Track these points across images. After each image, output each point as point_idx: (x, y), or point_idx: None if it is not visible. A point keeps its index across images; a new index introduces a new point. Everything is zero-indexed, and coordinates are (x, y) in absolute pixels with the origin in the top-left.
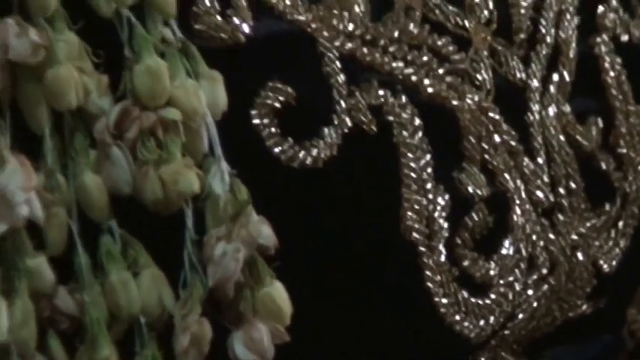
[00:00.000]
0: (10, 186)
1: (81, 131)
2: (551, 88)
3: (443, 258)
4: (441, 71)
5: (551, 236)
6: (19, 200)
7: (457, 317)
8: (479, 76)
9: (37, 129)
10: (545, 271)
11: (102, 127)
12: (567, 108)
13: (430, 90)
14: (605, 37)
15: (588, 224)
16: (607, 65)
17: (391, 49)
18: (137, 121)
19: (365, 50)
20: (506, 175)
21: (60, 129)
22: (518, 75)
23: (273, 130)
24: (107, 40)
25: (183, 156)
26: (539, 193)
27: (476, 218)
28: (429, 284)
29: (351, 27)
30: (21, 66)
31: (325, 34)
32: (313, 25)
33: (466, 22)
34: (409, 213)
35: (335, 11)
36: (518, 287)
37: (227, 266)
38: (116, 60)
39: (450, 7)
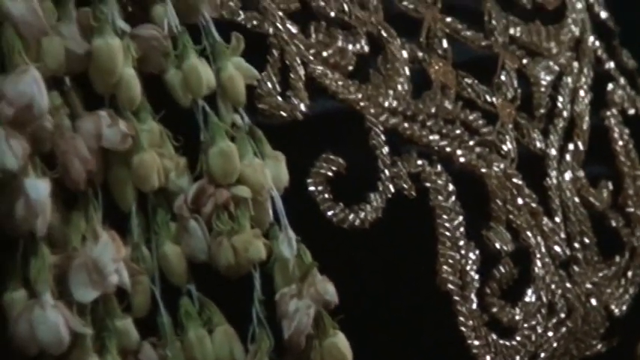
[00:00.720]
0: (102, 257)
1: (163, 207)
2: (567, 156)
3: (474, 305)
4: (471, 143)
5: (568, 285)
6: (110, 270)
7: (488, 357)
8: (504, 147)
9: (125, 207)
10: (563, 315)
11: (181, 203)
12: (581, 173)
13: (462, 159)
14: (614, 110)
15: (601, 274)
16: (616, 135)
17: (429, 123)
18: (212, 197)
19: (406, 125)
20: (529, 233)
21: (144, 206)
22: (538, 145)
23: (326, 195)
24: (185, 126)
25: (252, 227)
26: (557, 248)
27: (503, 270)
28: (463, 329)
29: (394, 104)
30: (111, 152)
31: (372, 110)
32: (362, 104)
33: (494, 99)
34: (444, 267)
35: (381, 90)
36: (540, 330)
37: (300, 320)
38: (193, 143)
39: (480, 86)
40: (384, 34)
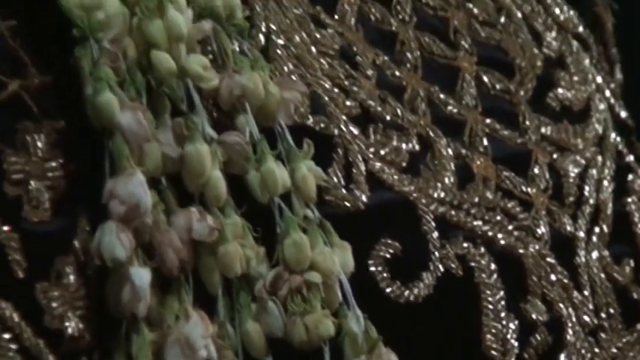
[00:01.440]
0: (193, 334)
1: (245, 291)
2: (594, 238)
3: None
4: (510, 227)
5: (596, 350)
6: (200, 345)
7: None
8: (539, 230)
9: (212, 291)
10: None
11: (260, 287)
12: (606, 252)
13: (502, 242)
14: (634, 198)
15: (624, 340)
16: (636, 219)
17: (473, 211)
18: (287, 282)
19: (453, 212)
20: (561, 305)
21: (229, 289)
22: (568, 228)
23: (385, 275)
24: (264, 220)
25: (322, 307)
26: (586, 318)
27: (539, 338)
28: None
29: (442, 195)
30: (200, 243)
31: (423, 200)
32: (414, 195)
33: (529, 189)
34: (488, 336)
35: (431, 183)
36: None
37: None
38: (271, 235)
39: (517, 178)
40: (432, 135)
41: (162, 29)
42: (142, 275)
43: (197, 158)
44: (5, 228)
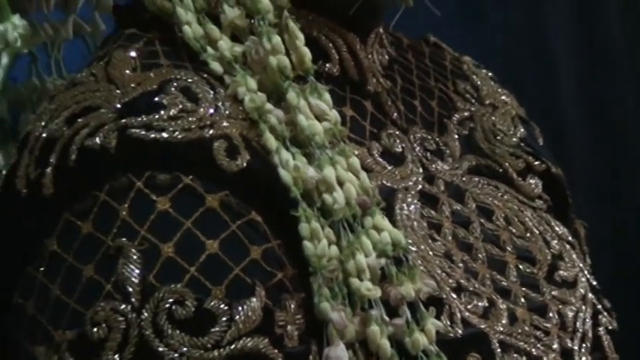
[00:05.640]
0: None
1: None
2: (582, 350)
3: None
4: (539, 344)
5: None
6: None
7: None
8: (553, 346)
9: None
10: None
11: None
12: (590, 357)
13: (534, 352)
14: (602, 328)
15: None
16: (605, 343)
17: (518, 337)
18: None
19: (508, 338)
20: None
21: None
22: (569, 345)
23: None
24: None
25: None
26: None
27: None
28: None
29: (502, 329)
30: None
31: (492, 332)
32: (487, 329)
33: (547, 325)
34: None
35: (496, 322)
36: None
37: None
38: None
39: (540, 319)
40: (494, 297)
41: None
42: None
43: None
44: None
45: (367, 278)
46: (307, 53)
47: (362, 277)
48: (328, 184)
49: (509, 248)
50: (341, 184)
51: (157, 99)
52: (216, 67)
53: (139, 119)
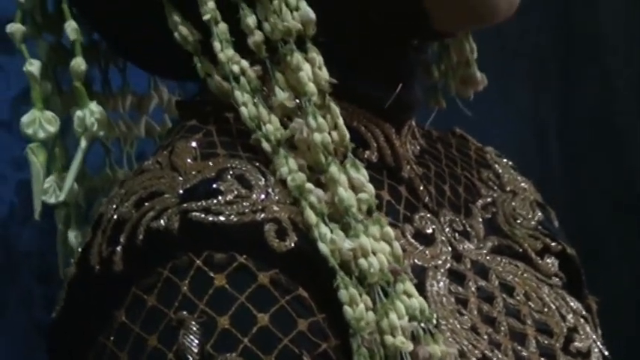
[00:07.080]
0: None
1: None
2: None
3: None
4: None
5: None
6: None
7: None
8: None
9: None
10: None
11: None
12: None
13: None
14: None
15: None
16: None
17: None
18: None
19: None
20: None
21: None
22: None
23: None
24: None
25: None
26: None
27: None
28: None
29: None
30: None
31: None
32: None
33: None
34: None
35: None
36: None
37: None
38: None
39: None
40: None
41: None
42: None
43: None
44: None
45: (400, 334)
46: (347, 133)
47: (395, 334)
48: (364, 250)
49: (528, 321)
50: (374, 252)
51: (214, 185)
52: (266, 146)
53: (199, 204)
